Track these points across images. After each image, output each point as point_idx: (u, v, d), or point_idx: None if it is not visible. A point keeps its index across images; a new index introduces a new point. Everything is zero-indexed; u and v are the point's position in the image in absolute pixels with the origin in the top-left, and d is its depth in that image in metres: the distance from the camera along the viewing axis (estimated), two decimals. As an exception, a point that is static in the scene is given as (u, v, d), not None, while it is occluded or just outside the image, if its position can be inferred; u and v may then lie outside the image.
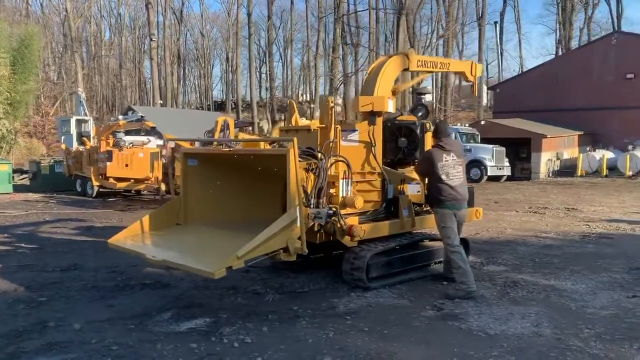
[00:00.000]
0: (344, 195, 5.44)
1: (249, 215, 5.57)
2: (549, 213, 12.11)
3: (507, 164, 22.87)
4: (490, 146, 22.02)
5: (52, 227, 10.19)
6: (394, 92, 6.47)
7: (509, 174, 23.16)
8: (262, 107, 50.30)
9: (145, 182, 15.31)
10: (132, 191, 16.67)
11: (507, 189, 19.20)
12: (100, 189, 15.91)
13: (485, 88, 40.47)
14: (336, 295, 5.38)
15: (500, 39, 50.55)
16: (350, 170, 5.48)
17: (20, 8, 46.86)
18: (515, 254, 7.49)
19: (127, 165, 15.20)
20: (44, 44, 39.71)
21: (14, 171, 19.52)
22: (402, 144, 6.25)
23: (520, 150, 25.88)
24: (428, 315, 4.82)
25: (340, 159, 5.50)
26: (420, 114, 6.61)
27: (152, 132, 18.01)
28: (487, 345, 4.08)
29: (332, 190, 5.40)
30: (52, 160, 19.64)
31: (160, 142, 17.42)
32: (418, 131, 6.25)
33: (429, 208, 6.14)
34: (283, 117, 37.86)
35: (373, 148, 5.95)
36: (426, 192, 5.98)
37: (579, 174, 24.48)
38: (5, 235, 9.18)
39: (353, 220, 5.45)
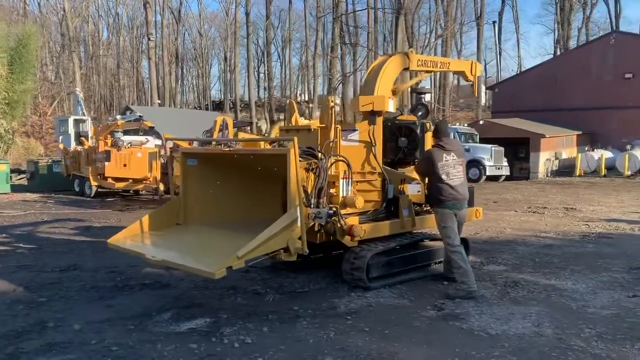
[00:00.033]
0: (344, 195, 5.43)
1: (248, 215, 5.55)
2: (548, 213, 12.11)
3: (505, 163, 22.90)
4: (489, 146, 22.04)
5: (50, 227, 10.16)
6: (394, 92, 6.45)
7: (508, 173, 23.19)
8: (261, 107, 50.28)
9: (144, 182, 15.28)
10: (131, 191, 16.64)
11: (506, 188, 19.22)
12: (99, 189, 15.87)
13: (483, 88, 40.46)
14: (336, 295, 5.37)
15: (499, 38, 50.57)
16: (351, 170, 5.46)
17: (18, 7, 46.74)
18: (515, 253, 7.49)
19: (125, 165, 15.17)
20: (42, 43, 39.68)
21: (12, 171, 19.46)
22: (402, 143, 6.24)
23: (519, 150, 25.93)
24: (429, 315, 4.81)
25: (341, 158, 5.48)
26: (420, 113, 6.60)
27: (151, 132, 18.01)
28: (488, 346, 4.07)
29: (332, 190, 5.38)
30: (50, 160, 19.59)
31: (159, 142, 17.42)
32: (418, 131, 6.24)
33: (429, 208, 6.13)
34: (281, 117, 37.87)
35: (373, 148, 5.93)
36: (426, 192, 5.97)
37: (577, 174, 24.53)
38: (4, 235, 9.15)
39: (353, 220, 5.44)
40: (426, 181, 5.97)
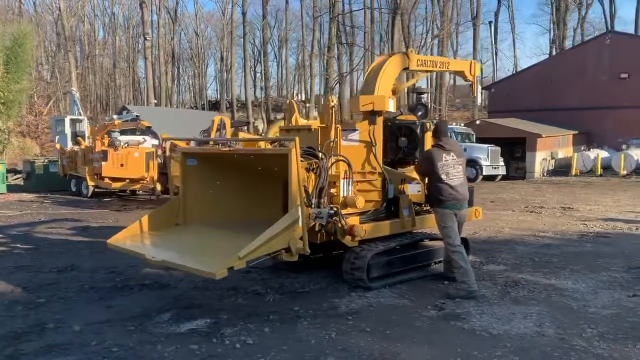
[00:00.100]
0: (345, 195, 5.41)
1: (248, 215, 5.53)
2: (546, 212, 12.14)
3: (502, 163, 22.94)
4: (486, 146, 22.08)
5: (47, 227, 10.11)
6: (394, 92, 6.44)
7: (504, 173, 23.23)
8: (257, 107, 50.23)
9: (141, 182, 15.24)
10: (128, 191, 16.59)
11: (503, 188, 19.26)
12: (96, 189, 15.80)
13: (479, 88, 40.55)
14: (337, 295, 5.35)
15: (495, 38, 50.68)
16: (351, 170, 5.45)
17: (13, 6, 46.62)
18: (514, 253, 7.49)
19: (122, 165, 15.12)
20: (37, 42, 39.46)
21: (8, 171, 19.38)
22: (402, 143, 6.23)
23: (515, 150, 26.00)
24: (430, 315, 4.80)
25: (341, 158, 5.47)
26: (420, 113, 6.59)
27: (148, 131, 17.95)
28: (490, 345, 4.07)
29: (332, 190, 5.36)
30: (46, 160, 19.51)
31: (156, 141, 17.36)
32: (418, 131, 6.23)
33: (429, 208, 6.13)
34: (278, 117, 37.80)
35: (373, 148, 5.92)
36: (426, 192, 5.96)
37: (573, 173, 24.60)
38: (0, 235, 9.10)
39: (354, 220, 5.43)
40: (426, 181, 5.96)
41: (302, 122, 6.67)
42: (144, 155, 15.17)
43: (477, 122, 27.24)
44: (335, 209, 5.13)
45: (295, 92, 59.16)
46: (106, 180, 15.24)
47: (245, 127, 33.72)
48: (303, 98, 51.41)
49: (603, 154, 25.25)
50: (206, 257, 4.64)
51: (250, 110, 44.85)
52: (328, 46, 41.98)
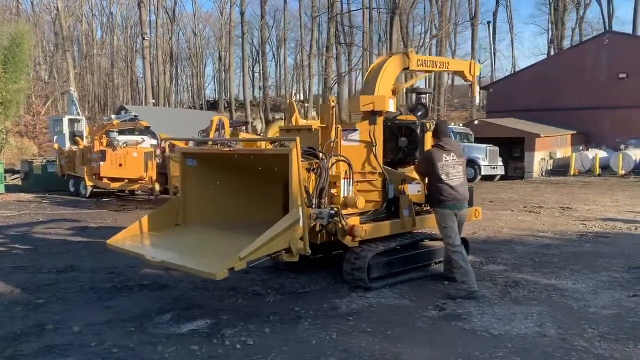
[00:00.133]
0: (346, 195, 5.40)
1: (248, 215, 5.52)
2: (544, 212, 12.14)
3: (500, 163, 22.96)
4: (484, 145, 22.10)
5: (45, 227, 10.08)
6: (394, 92, 6.43)
7: (503, 173, 23.25)
8: (255, 107, 50.21)
9: (139, 182, 15.19)
10: (126, 191, 16.56)
11: (501, 188, 19.27)
12: (94, 189, 15.77)
13: (477, 88, 40.51)
14: (337, 296, 5.34)
15: (493, 38, 50.67)
16: (352, 170, 5.43)
17: (11, 6, 46.39)
18: (513, 253, 7.49)
19: (120, 165, 15.08)
20: (35, 42, 39.37)
21: (6, 171, 19.33)
22: (402, 143, 6.21)
23: (514, 150, 26.02)
24: (430, 316, 4.79)
25: (342, 158, 5.45)
26: (419, 113, 6.58)
27: (146, 131, 17.90)
28: (491, 346, 4.06)
29: (333, 190, 5.35)
30: (44, 160, 19.46)
31: (154, 141, 17.33)
32: (418, 131, 6.22)
33: (429, 208, 6.12)
34: (276, 117, 37.78)
35: (374, 148, 5.91)
36: (426, 192, 5.95)
37: (572, 173, 24.63)
38: (-1, 236, 9.08)
39: (354, 221, 5.42)
40: (426, 181, 5.96)
41: (302, 122, 6.66)
42: (143, 155, 15.13)
43: (476, 122, 27.25)
44: (335, 209, 5.11)
45: (293, 92, 59.14)
46: (104, 180, 15.20)
47: (244, 127, 33.69)
48: (301, 98, 51.37)
49: (601, 153, 25.29)
50: (206, 258, 4.62)
51: (248, 110, 44.80)
52: (326, 46, 41.99)
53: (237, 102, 51.46)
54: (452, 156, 5.64)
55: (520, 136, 24.91)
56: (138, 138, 17.00)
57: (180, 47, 63.14)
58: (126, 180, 15.28)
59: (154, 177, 14.47)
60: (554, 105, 28.67)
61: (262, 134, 20.99)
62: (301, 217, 4.55)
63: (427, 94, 7.23)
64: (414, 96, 7.04)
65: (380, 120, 5.99)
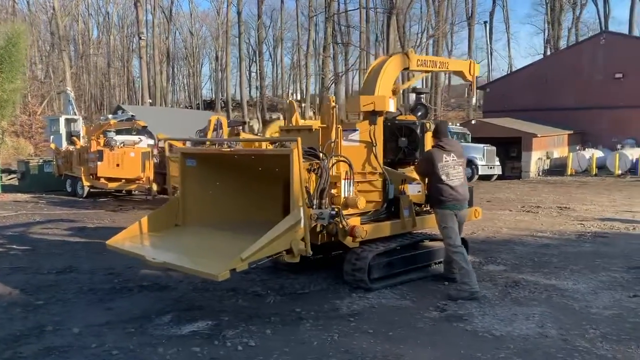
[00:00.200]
0: (346, 195, 5.38)
1: (248, 216, 5.50)
2: (542, 212, 12.16)
3: (497, 163, 23.01)
4: (481, 145, 22.12)
5: (43, 228, 10.03)
6: (394, 92, 6.42)
7: (500, 173, 23.30)
8: (252, 107, 50.13)
9: (137, 182, 15.16)
10: (123, 191, 16.51)
11: (499, 188, 19.29)
12: (91, 189, 15.72)
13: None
14: (338, 297, 5.33)
15: (490, 38, 50.70)
16: (352, 170, 5.42)
17: (7, 6, 46.22)
18: (513, 253, 7.49)
19: (118, 165, 15.05)
20: (31, 42, 39.24)
21: (2, 171, 19.26)
22: (402, 143, 6.20)
23: (511, 150, 26.06)
24: (432, 317, 4.78)
25: (342, 159, 5.44)
26: (419, 113, 6.57)
27: (143, 131, 17.87)
28: (493, 347, 4.05)
29: (333, 191, 5.34)
30: (41, 160, 19.39)
31: (151, 141, 17.29)
32: (418, 131, 6.21)
33: (429, 208, 6.11)
34: (273, 117, 37.73)
35: (374, 148, 5.89)
36: (426, 192, 5.94)
37: (568, 173, 24.69)
38: (-4, 236, 9.03)
39: (355, 221, 5.40)
40: (426, 181, 5.94)
41: (302, 122, 6.63)
42: (140, 155, 15.10)
43: (473, 121, 27.29)
44: (336, 209, 5.10)
45: (290, 91, 59.09)
46: (102, 180, 15.17)
47: (241, 127, 33.61)
48: (298, 98, 51.34)
49: (598, 153, 25.35)
50: (207, 259, 4.60)
51: (245, 109, 44.75)
52: (324, 46, 41.95)
53: (234, 101, 51.40)
54: (453, 156, 5.63)
55: (517, 136, 24.97)
56: (135, 138, 16.96)
57: (177, 46, 63.12)
58: (123, 181, 15.25)
59: (152, 177, 14.44)
60: (550, 105, 28.73)
61: (259, 134, 20.95)
62: (302, 217, 4.54)
63: (425, 94, 7.22)
64: (413, 96, 7.03)
65: (380, 120, 5.98)
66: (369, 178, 5.93)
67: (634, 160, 23.57)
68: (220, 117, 13.76)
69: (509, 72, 44.58)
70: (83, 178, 15.38)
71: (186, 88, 67.20)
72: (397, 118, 6.41)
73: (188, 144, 9.61)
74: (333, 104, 5.58)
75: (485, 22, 46.36)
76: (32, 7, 51.38)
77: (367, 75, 6.45)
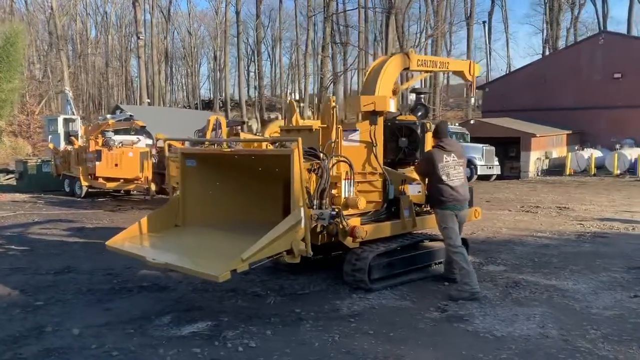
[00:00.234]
0: (346, 196, 5.37)
1: (248, 216, 5.49)
2: (542, 212, 12.16)
3: (496, 163, 23.00)
4: (480, 145, 22.12)
5: (42, 228, 10.00)
6: (394, 92, 6.41)
7: (499, 173, 23.30)
8: (251, 106, 50.11)
9: (135, 182, 15.12)
10: (122, 191, 16.46)
11: (498, 187, 19.29)
12: (89, 189, 15.67)
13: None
14: (338, 297, 5.31)
15: (489, 38, 50.75)
16: (353, 170, 5.40)
17: (5, 5, 46.15)
18: (513, 253, 7.49)
19: (116, 165, 15.00)
20: (29, 41, 39.17)
21: (0, 171, 19.19)
22: (402, 144, 6.19)
23: (509, 149, 26.08)
24: (433, 317, 4.77)
25: (343, 159, 5.42)
26: (420, 113, 6.56)
27: (142, 131, 17.83)
28: (494, 348, 4.04)
29: (334, 191, 5.32)
30: (39, 160, 19.33)
31: (150, 141, 17.25)
32: (418, 131, 6.20)
33: (429, 208, 6.10)
34: (272, 117, 37.70)
35: (374, 148, 5.88)
36: (427, 192, 5.93)
37: (567, 173, 24.70)
38: (-5, 236, 8.99)
39: (355, 221, 5.39)
40: (426, 182, 5.93)
41: (302, 122, 6.62)
42: (139, 155, 15.05)
43: (472, 121, 27.29)
44: (337, 210, 5.09)
45: (289, 91, 59.06)
46: (100, 180, 15.12)
47: (240, 127, 33.60)
48: (297, 97, 51.31)
49: (597, 153, 25.36)
50: (208, 260, 4.59)
51: (244, 109, 44.74)
52: (322, 45, 42.00)
53: (233, 101, 51.38)
54: (453, 157, 5.63)
55: (516, 136, 24.98)
56: (134, 138, 16.93)
57: (175, 46, 63.03)
58: (122, 181, 15.20)
59: (150, 177, 14.41)
60: (549, 105, 28.75)
61: (258, 134, 20.94)
62: (303, 218, 4.52)
63: (426, 94, 7.21)
64: (413, 96, 7.01)
65: (381, 120, 5.96)
66: (369, 178, 5.92)
67: (633, 160, 23.59)
68: (219, 117, 13.74)
69: (507, 72, 44.64)
70: (81, 178, 15.31)
71: (184, 88, 67.22)
72: (397, 118, 6.40)
73: (187, 144, 9.60)
74: (333, 104, 5.56)
75: (484, 22, 46.59)
76: (30, 6, 51.32)
77: (368, 75, 6.43)
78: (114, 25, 59.82)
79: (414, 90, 7.05)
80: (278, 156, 4.97)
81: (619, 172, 23.38)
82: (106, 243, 5.13)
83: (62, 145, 19.13)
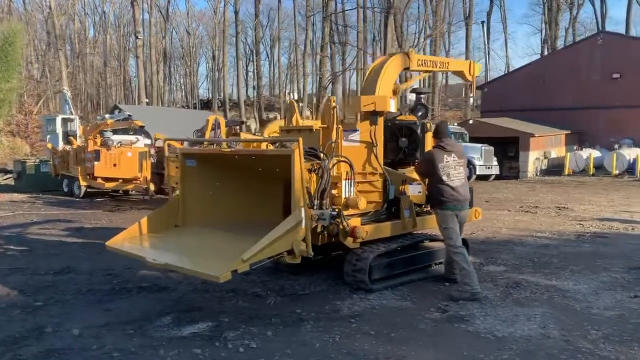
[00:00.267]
0: (347, 196, 5.36)
1: (248, 216, 5.48)
2: (541, 212, 12.16)
3: (495, 163, 23.01)
4: (479, 145, 22.12)
5: (40, 228, 9.97)
6: (394, 92, 6.40)
7: (497, 173, 23.31)
8: (250, 106, 50.08)
9: (134, 182, 15.09)
10: (120, 191, 16.44)
11: (497, 187, 19.31)
12: (88, 189, 15.63)
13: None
14: (338, 298, 5.30)
15: (487, 38, 50.76)
16: (353, 170, 5.39)
17: (3, 5, 46.03)
18: (513, 254, 7.48)
19: (115, 165, 14.96)
20: (27, 41, 39.05)
21: (-2, 171, 19.15)
22: (402, 144, 6.18)
23: (508, 149, 26.09)
24: (433, 318, 4.76)
25: (343, 159, 5.41)
26: (420, 113, 6.55)
27: (140, 131, 17.79)
28: (495, 348, 4.04)
29: (334, 191, 5.31)
30: (37, 160, 19.28)
31: (149, 141, 17.22)
32: (419, 131, 6.19)
33: (429, 209, 6.09)
34: (270, 117, 37.68)
35: (374, 148, 5.87)
36: (427, 193, 5.92)
37: (566, 173, 24.73)
38: (-7, 237, 8.96)
39: (355, 222, 5.38)
40: (426, 182, 5.93)
41: (302, 122, 6.61)
42: (137, 155, 15.02)
43: (471, 121, 27.28)
44: (337, 210, 5.08)
45: (287, 91, 59.03)
46: (99, 180, 15.08)
47: (239, 127, 33.57)
48: (295, 97, 51.29)
49: (595, 153, 25.38)
50: (208, 260, 4.57)
51: (242, 109, 44.72)
52: (321, 45, 41.97)
53: (231, 101, 51.36)
54: (453, 157, 5.62)
55: (515, 136, 25.00)
56: (132, 138, 16.89)
57: (173, 46, 62.93)
58: (120, 180, 15.17)
59: (149, 177, 14.38)
60: (548, 105, 28.77)
61: (257, 134, 20.91)
62: (304, 218, 4.51)
63: (426, 94, 7.20)
64: (412, 96, 7.01)
65: (381, 120, 5.96)
66: (369, 178, 5.91)
67: (632, 160, 23.61)
68: (218, 116, 13.72)
69: (506, 72, 44.71)
70: (80, 178, 15.28)
71: (183, 87, 67.13)
72: (398, 118, 6.39)
73: (186, 144, 9.59)
74: (334, 104, 5.55)
75: (482, 22, 46.53)
76: (28, 6, 51.12)
77: (368, 75, 6.42)
78: (113, 25, 59.76)
79: (414, 90, 7.04)
80: (278, 156, 4.95)
81: (617, 172, 23.41)
82: (106, 243, 5.11)
83: (61, 145, 19.10)
